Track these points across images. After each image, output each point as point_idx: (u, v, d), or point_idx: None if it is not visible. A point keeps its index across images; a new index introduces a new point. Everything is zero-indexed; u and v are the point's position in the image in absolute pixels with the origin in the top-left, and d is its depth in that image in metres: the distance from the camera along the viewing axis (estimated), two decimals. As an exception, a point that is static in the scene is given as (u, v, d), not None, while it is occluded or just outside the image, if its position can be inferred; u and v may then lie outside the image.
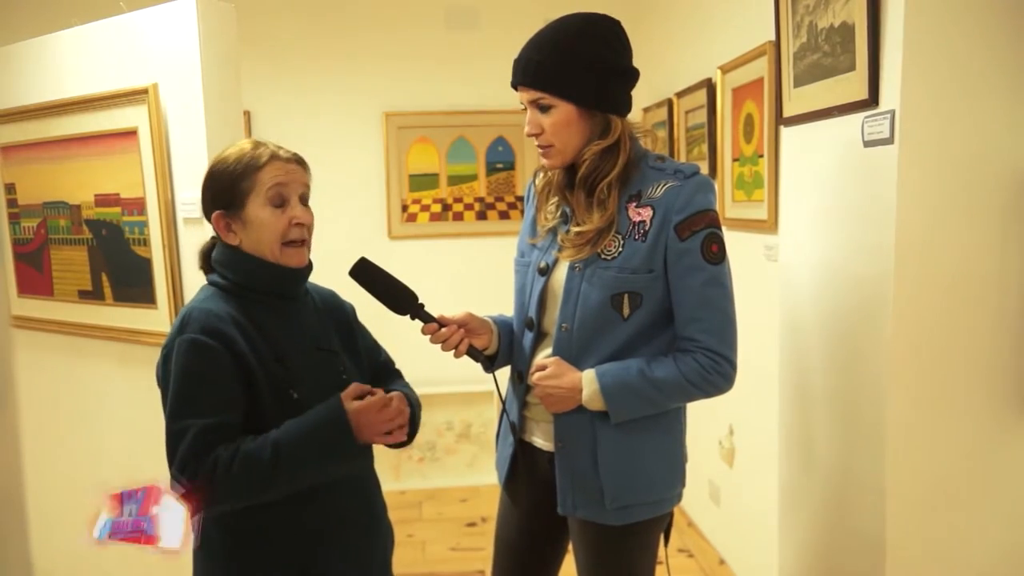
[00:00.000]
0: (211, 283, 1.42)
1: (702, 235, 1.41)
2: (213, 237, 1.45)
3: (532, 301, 1.55)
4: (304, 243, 1.40)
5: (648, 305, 1.44)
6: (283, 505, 1.33)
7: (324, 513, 1.38)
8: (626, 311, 1.44)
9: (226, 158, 1.39)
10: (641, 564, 1.56)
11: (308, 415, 1.31)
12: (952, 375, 1.51)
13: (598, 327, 1.46)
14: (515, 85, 1.48)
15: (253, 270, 1.38)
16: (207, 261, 1.45)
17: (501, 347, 1.61)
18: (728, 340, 1.45)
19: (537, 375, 1.48)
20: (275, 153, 1.38)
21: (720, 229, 1.45)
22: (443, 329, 1.49)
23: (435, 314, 1.50)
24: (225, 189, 1.37)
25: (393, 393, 1.37)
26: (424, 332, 1.50)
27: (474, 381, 3.53)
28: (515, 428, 1.61)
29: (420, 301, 1.48)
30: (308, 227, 1.40)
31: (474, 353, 1.53)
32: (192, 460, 1.24)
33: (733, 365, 1.45)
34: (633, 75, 1.49)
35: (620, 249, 1.44)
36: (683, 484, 1.60)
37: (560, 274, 1.51)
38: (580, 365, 1.48)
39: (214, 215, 1.38)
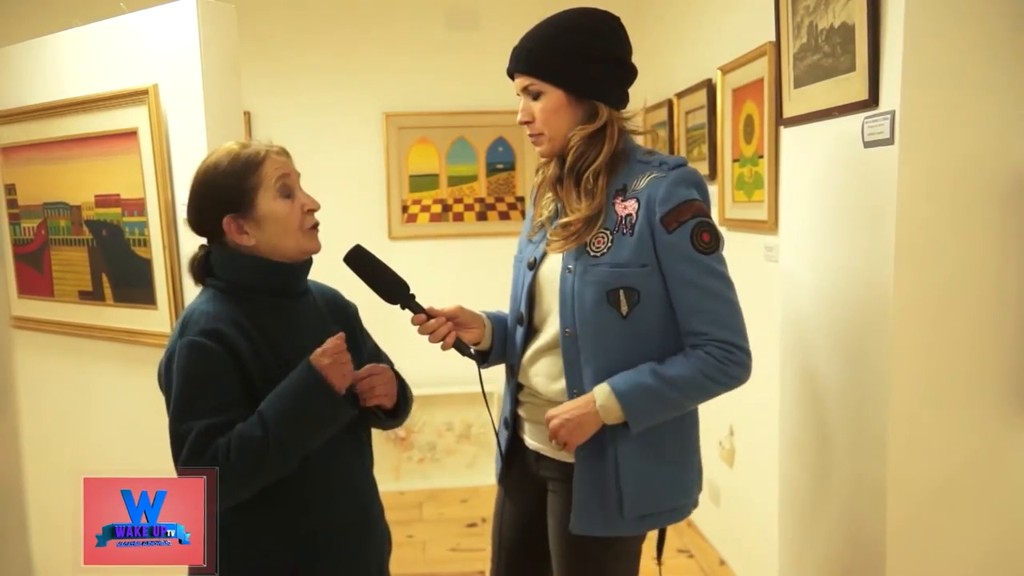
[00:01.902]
0: (210, 286, 1.41)
1: (690, 225, 1.40)
2: (202, 246, 1.44)
3: (522, 296, 1.55)
4: (316, 226, 1.43)
5: (647, 303, 1.42)
6: (277, 508, 1.34)
7: (318, 517, 1.38)
8: (624, 308, 1.42)
9: (217, 163, 1.38)
10: (612, 574, 1.54)
11: (284, 381, 1.32)
12: (953, 375, 1.51)
13: (599, 328, 1.44)
14: (510, 72, 1.51)
15: (258, 269, 1.38)
16: (201, 270, 1.42)
17: (495, 342, 1.61)
18: (737, 328, 1.42)
19: (550, 417, 1.44)
20: (268, 148, 1.39)
21: (709, 218, 1.43)
22: (431, 320, 1.50)
23: (425, 306, 1.51)
24: (230, 190, 1.36)
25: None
26: (413, 322, 1.50)
27: (474, 382, 3.51)
28: (507, 424, 1.62)
29: (411, 291, 1.49)
30: (317, 210, 1.43)
31: (461, 346, 1.53)
32: (194, 459, 1.25)
33: (747, 353, 1.42)
34: (626, 67, 1.49)
35: (609, 244, 1.43)
36: (700, 489, 1.57)
37: (547, 267, 1.52)
38: (586, 370, 1.45)
39: (225, 219, 1.36)
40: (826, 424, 1.76)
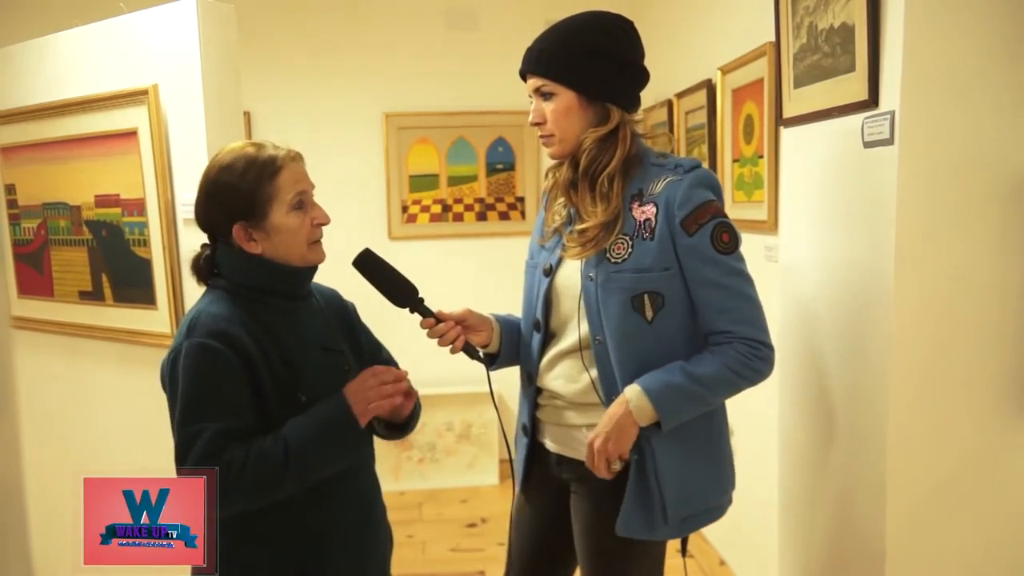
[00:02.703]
0: (215, 287, 1.40)
1: (710, 227, 1.41)
2: (204, 245, 1.42)
3: (538, 302, 1.55)
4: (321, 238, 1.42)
5: (672, 306, 1.42)
6: (282, 508, 1.33)
7: (322, 516, 1.38)
8: (649, 313, 1.42)
9: (231, 167, 1.34)
10: (638, 573, 1.54)
11: (314, 410, 1.32)
12: (953, 375, 1.51)
13: (626, 334, 1.43)
14: (522, 73, 1.51)
15: (266, 272, 1.37)
16: (205, 270, 1.41)
17: (504, 345, 1.61)
18: (761, 325, 1.44)
19: (593, 439, 1.43)
20: (286, 155, 1.36)
21: (727, 218, 1.44)
22: (440, 324, 1.50)
23: (434, 309, 1.51)
24: (244, 199, 1.33)
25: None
26: (422, 326, 1.51)
27: (475, 382, 3.54)
28: (527, 430, 1.62)
29: (420, 295, 1.49)
30: (326, 223, 1.42)
31: (469, 350, 1.54)
32: (206, 463, 1.24)
33: (771, 348, 1.44)
34: (638, 71, 1.50)
35: (630, 250, 1.43)
36: (733, 486, 1.59)
37: (564, 274, 1.52)
38: (619, 376, 1.45)
39: (236, 227, 1.34)
40: (826, 424, 1.76)
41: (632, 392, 1.41)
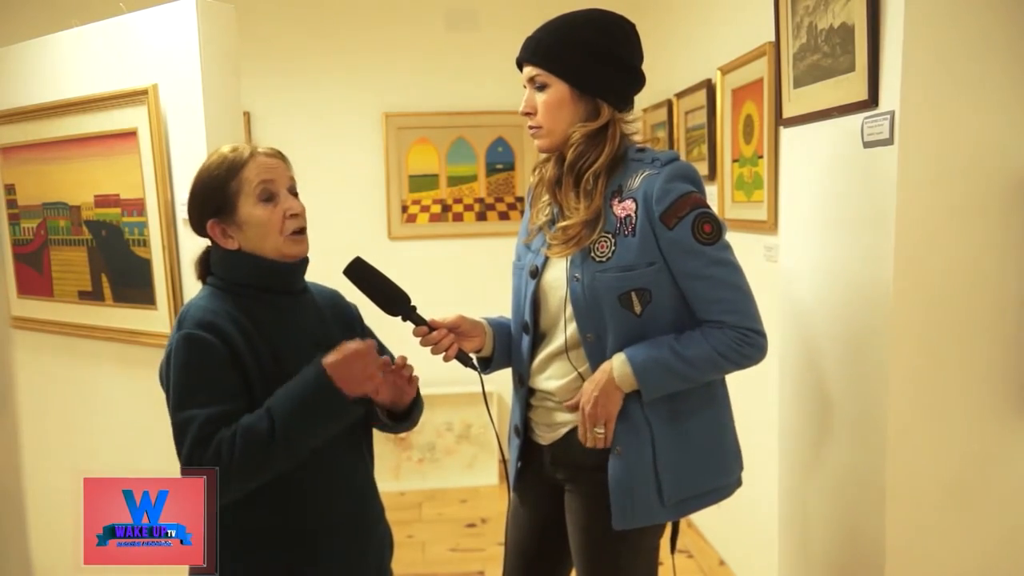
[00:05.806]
0: (209, 284, 1.43)
1: (690, 218, 1.40)
2: (207, 247, 1.44)
3: (526, 304, 1.55)
4: (303, 231, 1.41)
5: (659, 300, 1.43)
6: (272, 507, 1.34)
7: (314, 517, 1.38)
8: (637, 308, 1.43)
9: (208, 167, 1.39)
10: (632, 569, 1.54)
11: (295, 379, 1.31)
12: (952, 375, 1.51)
13: (617, 330, 1.44)
14: (519, 62, 1.51)
15: (251, 268, 1.38)
16: (204, 269, 1.44)
17: (497, 349, 1.61)
18: (750, 312, 1.44)
19: (581, 405, 1.46)
20: (254, 150, 1.38)
21: (708, 208, 1.43)
22: (433, 332, 1.50)
23: (427, 317, 1.50)
24: (213, 194, 1.36)
25: (368, 341, 1.35)
26: (415, 334, 1.50)
27: (474, 382, 3.51)
28: (519, 431, 1.62)
29: (412, 303, 1.48)
30: (302, 215, 1.40)
31: (463, 358, 1.53)
32: (198, 448, 1.25)
33: (763, 335, 1.44)
34: (634, 72, 1.49)
35: (613, 248, 1.43)
36: (741, 467, 1.59)
37: (551, 276, 1.51)
38: None
39: (209, 224, 1.37)
40: (825, 424, 1.76)
41: (617, 360, 1.43)
